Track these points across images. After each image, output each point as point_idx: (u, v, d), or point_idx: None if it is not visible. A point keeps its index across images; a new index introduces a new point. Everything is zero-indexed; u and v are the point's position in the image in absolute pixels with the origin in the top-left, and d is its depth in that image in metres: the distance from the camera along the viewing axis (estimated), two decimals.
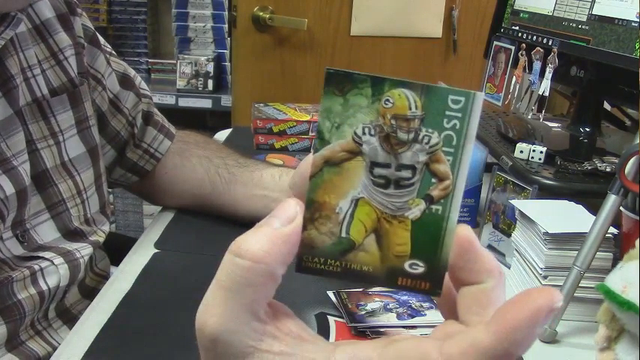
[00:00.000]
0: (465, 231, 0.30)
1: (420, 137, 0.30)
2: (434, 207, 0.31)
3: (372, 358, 0.28)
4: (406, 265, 0.31)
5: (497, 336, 0.26)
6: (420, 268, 0.31)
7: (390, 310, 0.70)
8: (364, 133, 0.31)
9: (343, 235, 0.31)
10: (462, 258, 0.30)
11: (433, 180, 0.31)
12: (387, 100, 0.30)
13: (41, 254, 0.77)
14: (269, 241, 0.29)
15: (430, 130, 0.30)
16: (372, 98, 0.30)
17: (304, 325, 0.31)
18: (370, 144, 0.31)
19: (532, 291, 0.26)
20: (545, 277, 0.73)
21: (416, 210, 0.31)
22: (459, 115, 0.30)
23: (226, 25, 2.28)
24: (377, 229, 0.31)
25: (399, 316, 0.69)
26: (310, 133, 1.30)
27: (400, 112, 0.30)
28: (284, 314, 0.31)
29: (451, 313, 0.31)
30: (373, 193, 0.31)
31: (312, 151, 0.32)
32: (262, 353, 0.29)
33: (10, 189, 0.71)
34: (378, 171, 0.31)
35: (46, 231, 0.79)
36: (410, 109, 0.30)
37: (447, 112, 0.30)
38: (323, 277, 0.32)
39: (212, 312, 0.28)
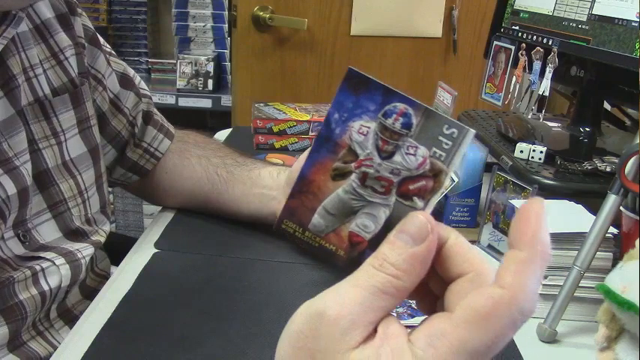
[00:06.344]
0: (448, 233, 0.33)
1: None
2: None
3: (445, 329, 0.29)
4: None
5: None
6: None
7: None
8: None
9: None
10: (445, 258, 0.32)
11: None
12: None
13: (42, 254, 0.76)
14: (405, 261, 0.30)
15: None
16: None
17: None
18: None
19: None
20: (545, 277, 0.73)
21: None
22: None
23: (226, 25, 2.28)
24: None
25: (399, 316, 0.69)
26: (310, 133, 1.30)
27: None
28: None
29: (431, 311, 0.33)
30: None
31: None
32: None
33: (11, 189, 0.71)
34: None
35: (48, 231, 0.79)
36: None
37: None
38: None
39: (342, 301, 0.30)
